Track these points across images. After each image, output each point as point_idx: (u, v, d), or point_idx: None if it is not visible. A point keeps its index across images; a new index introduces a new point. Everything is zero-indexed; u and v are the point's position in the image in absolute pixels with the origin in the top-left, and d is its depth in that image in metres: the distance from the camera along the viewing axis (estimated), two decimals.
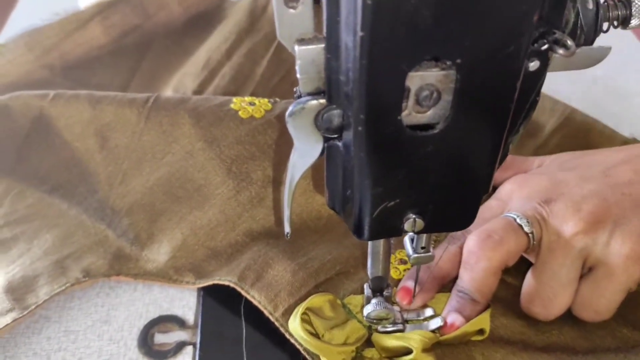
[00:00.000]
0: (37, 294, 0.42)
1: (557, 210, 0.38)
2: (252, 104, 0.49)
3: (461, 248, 0.40)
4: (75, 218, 0.47)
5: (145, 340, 0.41)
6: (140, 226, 0.46)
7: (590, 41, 0.26)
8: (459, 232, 0.41)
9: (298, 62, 0.24)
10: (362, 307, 0.38)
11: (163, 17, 0.64)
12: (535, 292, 0.38)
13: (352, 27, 0.21)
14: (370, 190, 0.26)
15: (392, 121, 0.23)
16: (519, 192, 0.42)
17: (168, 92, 0.60)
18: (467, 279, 0.38)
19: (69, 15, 0.61)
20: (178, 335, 0.42)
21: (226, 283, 0.42)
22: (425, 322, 0.38)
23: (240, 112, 0.48)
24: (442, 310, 0.39)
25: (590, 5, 0.26)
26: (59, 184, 0.49)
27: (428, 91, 0.22)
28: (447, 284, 0.41)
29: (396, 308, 0.39)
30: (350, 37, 0.22)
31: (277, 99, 0.51)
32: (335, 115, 0.25)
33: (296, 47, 0.23)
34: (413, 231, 0.28)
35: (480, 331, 0.37)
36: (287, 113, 0.25)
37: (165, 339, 0.42)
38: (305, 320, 0.37)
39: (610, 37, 0.28)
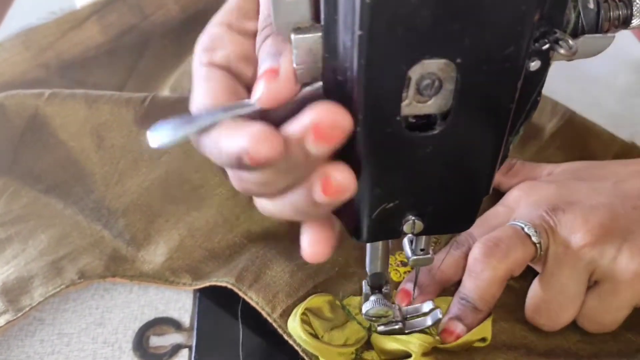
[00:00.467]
0: (32, 296, 0.41)
1: (565, 221, 0.37)
2: None
3: (465, 254, 0.39)
4: (71, 218, 0.47)
5: (141, 342, 0.41)
6: (136, 227, 0.46)
7: None
8: (464, 237, 0.41)
9: (294, 51, 0.23)
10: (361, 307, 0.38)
11: (160, 17, 0.63)
12: (541, 303, 0.37)
13: (350, 26, 0.21)
14: (368, 192, 0.26)
15: (391, 121, 0.23)
16: (526, 199, 0.41)
17: (165, 92, 0.60)
18: (471, 287, 0.37)
19: (66, 14, 0.61)
20: (174, 338, 0.41)
21: (223, 284, 0.41)
22: (425, 317, 0.38)
23: None
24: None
25: (592, 5, 0.26)
26: (54, 184, 0.49)
27: (429, 80, 0.22)
28: (448, 288, 0.40)
29: (395, 305, 0.38)
30: (348, 37, 0.21)
31: None
32: None
33: (293, 36, 0.23)
34: (412, 233, 0.28)
35: (482, 339, 0.37)
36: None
37: (160, 341, 0.41)
38: (304, 321, 0.37)
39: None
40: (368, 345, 0.38)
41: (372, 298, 0.36)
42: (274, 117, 0.23)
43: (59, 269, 0.43)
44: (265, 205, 0.27)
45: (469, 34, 0.21)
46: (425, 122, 0.24)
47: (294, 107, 0.23)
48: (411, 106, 0.23)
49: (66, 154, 0.50)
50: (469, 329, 0.37)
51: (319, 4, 0.22)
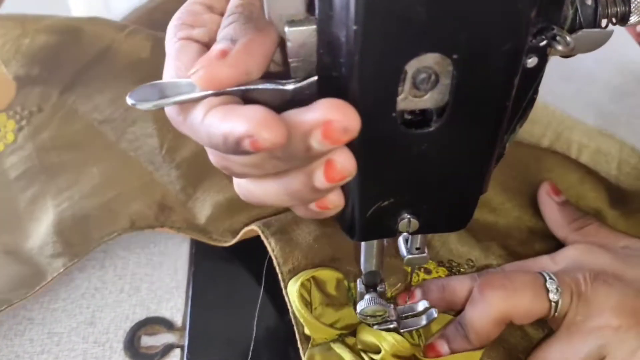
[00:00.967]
0: (87, 239, 0.43)
1: (600, 293, 0.34)
2: None
3: None
4: (124, 154, 0.47)
5: (132, 342, 0.40)
6: (188, 181, 0.47)
7: None
8: (493, 272, 0.39)
9: (288, 44, 0.23)
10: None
11: None
12: None
13: (345, 21, 0.20)
14: (363, 190, 0.26)
15: (387, 118, 0.22)
16: (575, 260, 0.38)
17: None
18: (467, 315, 0.35)
19: None
20: (165, 338, 0.41)
21: (251, 227, 0.42)
22: (420, 316, 0.38)
23: None
24: (438, 329, 0.38)
25: (589, 2, 0.26)
26: (111, 118, 0.49)
27: (425, 74, 0.21)
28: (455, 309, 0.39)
29: (390, 304, 0.38)
30: (343, 32, 0.21)
31: None
32: None
33: (286, 29, 0.22)
34: (408, 232, 0.27)
35: None
36: None
37: (152, 341, 0.41)
38: (305, 287, 0.37)
39: None
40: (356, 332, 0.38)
41: (367, 297, 0.36)
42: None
43: (112, 213, 0.44)
44: (249, 189, 0.25)
45: (465, 30, 0.20)
46: (420, 119, 0.24)
47: (288, 102, 0.23)
48: (407, 101, 0.22)
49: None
50: (453, 353, 0.36)
51: None
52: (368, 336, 0.36)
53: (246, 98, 0.23)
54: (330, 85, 0.23)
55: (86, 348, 0.40)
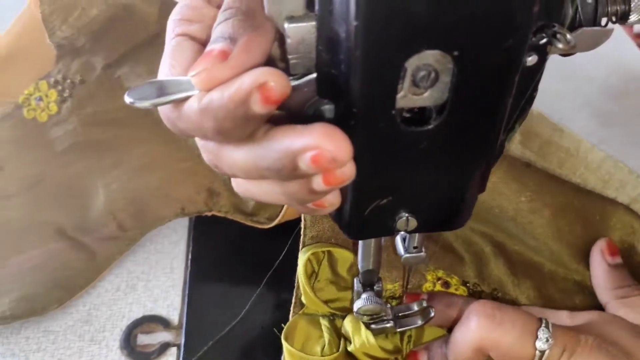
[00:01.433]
0: (141, 224, 0.43)
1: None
2: None
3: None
4: (170, 135, 0.47)
5: (128, 341, 0.40)
6: None
7: None
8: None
9: (288, 41, 0.22)
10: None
11: None
12: None
13: (345, 17, 0.20)
14: (362, 188, 0.25)
15: (386, 115, 0.22)
16: (594, 321, 0.36)
17: None
18: (452, 336, 0.34)
19: None
20: (162, 336, 0.41)
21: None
22: (416, 316, 0.38)
23: None
24: (429, 340, 0.38)
25: (589, 0, 0.25)
26: None
27: (425, 71, 0.21)
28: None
29: (386, 303, 0.38)
30: (343, 28, 0.21)
31: None
32: (327, 110, 0.24)
33: (286, 25, 0.22)
34: (406, 230, 0.27)
35: None
36: None
37: (148, 339, 0.41)
38: (317, 258, 0.38)
39: None
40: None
41: (364, 295, 0.35)
42: None
43: (162, 198, 0.45)
44: (246, 187, 0.25)
45: (466, 26, 0.20)
46: (420, 116, 0.24)
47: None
48: (406, 98, 0.22)
49: None
50: None
51: None
52: (349, 325, 0.36)
53: None
54: (329, 82, 0.23)
55: (82, 346, 0.40)
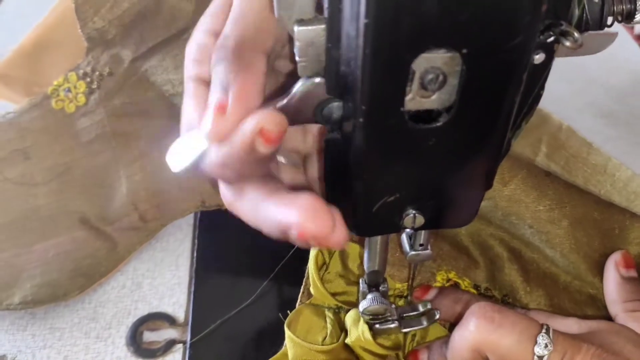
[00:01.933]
0: (162, 216, 0.44)
1: None
2: None
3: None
4: None
5: (134, 338, 0.40)
6: None
7: None
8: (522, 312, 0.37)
9: (297, 43, 0.23)
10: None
11: None
12: None
13: (355, 14, 0.20)
14: (369, 185, 0.26)
15: (394, 113, 0.22)
16: (600, 330, 0.35)
17: None
18: (452, 336, 0.34)
19: None
20: (168, 333, 0.41)
21: None
22: (421, 318, 0.38)
23: None
24: (432, 340, 0.38)
25: None
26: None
27: (433, 74, 0.21)
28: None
29: (392, 304, 0.38)
30: (353, 25, 0.21)
31: None
32: (336, 108, 0.25)
33: (295, 28, 0.22)
34: (413, 227, 0.27)
35: None
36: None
37: (154, 337, 0.41)
38: (329, 251, 0.38)
39: None
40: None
41: (369, 296, 0.36)
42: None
43: (183, 191, 0.45)
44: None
45: (475, 24, 0.20)
46: (428, 114, 0.24)
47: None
48: (414, 101, 0.22)
49: None
50: None
51: None
52: (349, 318, 0.37)
53: None
54: (338, 79, 0.23)
55: (88, 343, 0.40)
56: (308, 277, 0.38)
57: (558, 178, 0.41)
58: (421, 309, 0.38)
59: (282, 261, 0.43)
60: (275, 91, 0.29)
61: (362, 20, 0.20)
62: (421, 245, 0.33)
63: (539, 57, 0.24)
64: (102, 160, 0.47)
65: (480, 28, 0.20)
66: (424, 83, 0.22)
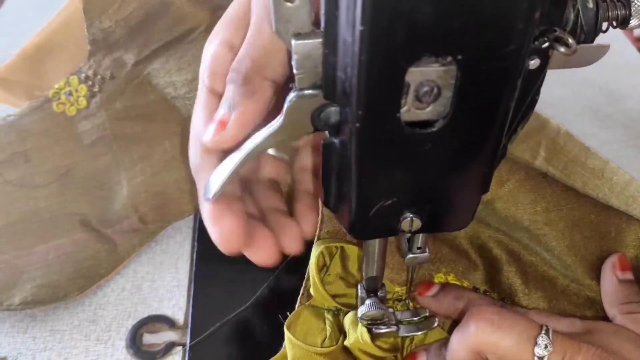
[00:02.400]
0: (161, 218, 0.45)
1: None
2: None
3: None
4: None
5: (134, 340, 0.41)
6: None
7: (590, 40, 0.26)
8: (521, 311, 0.37)
9: (295, 56, 0.23)
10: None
11: None
12: None
13: (351, 21, 0.21)
14: (366, 189, 0.26)
15: (391, 118, 0.23)
16: (602, 331, 0.35)
17: None
18: (451, 339, 0.34)
19: None
20: (167, 336, 0.41)
21: None
22: (419, 324, 0.38)
23: None
24: (432, 341, 0.38)
25: (591, 5, 0.26)
26: (186, 97, 0.49)
27: (428, 87, 0.22)
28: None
29: (390, 309, 0.38)
30: (349, 32, 0.21)
31: None
32: (333, 112, 0.25)
33: (293, 42, 0.23)
34: (410, 231, 0.28)
35: None
36: (286, 101, 0.25)
37: (154, 339, 0.41)
38: (330, 252, 0.38)
39: (605, 41, 0.28)
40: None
41: (368, 301, 0.36)
42: None
43: (182, 193, 0.46)
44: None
45: (470, 31, 0.20)
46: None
47: None
48: (410, 112, 0.23)
49: None
50: None
51: (320, 10, 0.22)
52: (348, 320, 0.37)
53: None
54: (335, 84, 0.24)
55: (88, 345, 0.40)
56: (308, 279, 0.38)
57: (555, 180, 0.42)
58: (420, 314, 0.39)
59: (282, 264, 0.43)
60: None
61: (358, 27, 0.20)
62: (419, 248, 0.33)
63: (533, 63, 0.24)
64: (102, 163, 0.48)
65: (475, 34, 0.21)
66: (418, 95, 0.22)
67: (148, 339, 0.41)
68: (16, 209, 0.45)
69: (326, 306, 0.39)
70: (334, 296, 0.38)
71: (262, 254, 0.32)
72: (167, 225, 0.46)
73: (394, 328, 0.37)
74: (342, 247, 0.39)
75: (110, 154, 0.48)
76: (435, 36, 0.21)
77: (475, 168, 0.26)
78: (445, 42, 0.21)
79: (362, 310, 0.36)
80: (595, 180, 0.41)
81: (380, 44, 0.21)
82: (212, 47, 0.31)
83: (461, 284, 0.41)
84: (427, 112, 0.23)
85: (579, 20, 0.25)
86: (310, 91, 0.25)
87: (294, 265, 0.42)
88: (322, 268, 0.39)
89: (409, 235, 0.33)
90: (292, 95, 0.25)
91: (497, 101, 0.23)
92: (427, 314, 0.38)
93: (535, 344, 0.31)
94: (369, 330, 0.36)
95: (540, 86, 0.26)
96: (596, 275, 0.41)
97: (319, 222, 0.39)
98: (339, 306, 0.38)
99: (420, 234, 0.33)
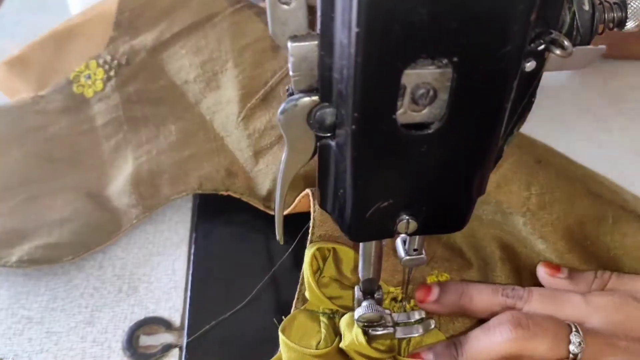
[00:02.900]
0: (158, 195, 0.46)
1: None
2: None
3: (507, 306, 0.37)
4: (200, 116, 0.50)
5: (131, 342, 0.41)
6: (255, 151, 0.48)
7: (586, 43, 0.26)
8: (523, 292, 0.37)
9: (291, 59, 0.23)
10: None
11: None
12: None
13: (347, 23, 0.21)
14: (363, 191, 0.26)
15: (387, 120, 0.23)
16: (611, 307, 0.36)
17: None
18: (472, 338, 0.35)
19: None
20: (164, 338, 0.41)
21: (307, 191, 0.42)
22: (416, 325, 0.38)
23: None
24: (429, 342, 0.38)
25: (587, 7, 0.26)
26: (196, 81, 0.51)
27: (424, 89, 0.22)
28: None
29: (387, 311, 0.38)
30: (345, 34, 0.21)
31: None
32: (328, 114, 0.25)
33: (289, 44, 0.23)
34: (406, 233, 0.28)
35: None
36: (279, 111, 0.25)
37: (150, 341, 0.41)
38: (323, 255, 0.39)
39: (603, 42, 0.28)
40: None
41: (365, 303, 0.36)
42: None
43: (183, 173, 0.47)
44: None
45: (466, 33, 0.21)
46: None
47: None
48: (406, 115, 0.23)
49: None
50: None
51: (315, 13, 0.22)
52: (343, 322, 0.37)
53: None
54: (331, 86, 0.24)
55: (85, 347, 0.40)
56: (302, 283, 0.38)
57: (549, 166, 0.42)
58: (417, 316, 0.39)
59: (276, 264, 0.43)
60: None
61: (354, 29, 0.20)
62: (415, 250, 0.33)
63: (530, 65, 0.24)
64: (114, 143, 0.51)
65: (471, 37, 0.21)
66: (414, 98, 0.22)
67: (145, 340, 0.41)
68: (34, 178, 0.49)
69: (321, 309, 0.38)
70: (329, 298, 0.38)
71: None
72: (165, 202, 0.47)
73: (390, 330, 0.37)
74: (334, 250, 0.39)
75: (121, 134, 0.51)
76: (431, 38, 0.21)
77: (472, 170, 0.26)
78: (441, 44, 0.21)
79: (359, 312, 0.36)
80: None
81: (376, 46, 0.21)
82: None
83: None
84: (423, 114, 0.23)
85: (575, 23, 0.25)
86: (306, 98, 0.25)
87: (291, 268, 0.42)
88: (316, 271, 0.39)
89: (406, 237, 0.33)
90: (279, 117, 0.25)
91: (493, 103, 0.23)
92: (423, 316, 0.38)
93: (570, 342, 0.33)
94: (366, 332, 0.36)
95: (536, 88, 0.26)
96: (592, 264, 0.41)
97: (311, 227, 0.39)
98: (335, 308, 0.38)
99: (417, 236, 0.33)
